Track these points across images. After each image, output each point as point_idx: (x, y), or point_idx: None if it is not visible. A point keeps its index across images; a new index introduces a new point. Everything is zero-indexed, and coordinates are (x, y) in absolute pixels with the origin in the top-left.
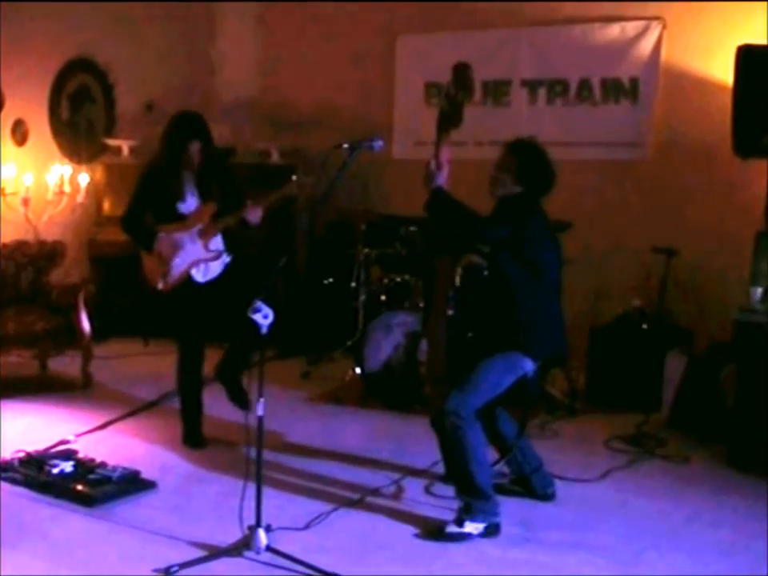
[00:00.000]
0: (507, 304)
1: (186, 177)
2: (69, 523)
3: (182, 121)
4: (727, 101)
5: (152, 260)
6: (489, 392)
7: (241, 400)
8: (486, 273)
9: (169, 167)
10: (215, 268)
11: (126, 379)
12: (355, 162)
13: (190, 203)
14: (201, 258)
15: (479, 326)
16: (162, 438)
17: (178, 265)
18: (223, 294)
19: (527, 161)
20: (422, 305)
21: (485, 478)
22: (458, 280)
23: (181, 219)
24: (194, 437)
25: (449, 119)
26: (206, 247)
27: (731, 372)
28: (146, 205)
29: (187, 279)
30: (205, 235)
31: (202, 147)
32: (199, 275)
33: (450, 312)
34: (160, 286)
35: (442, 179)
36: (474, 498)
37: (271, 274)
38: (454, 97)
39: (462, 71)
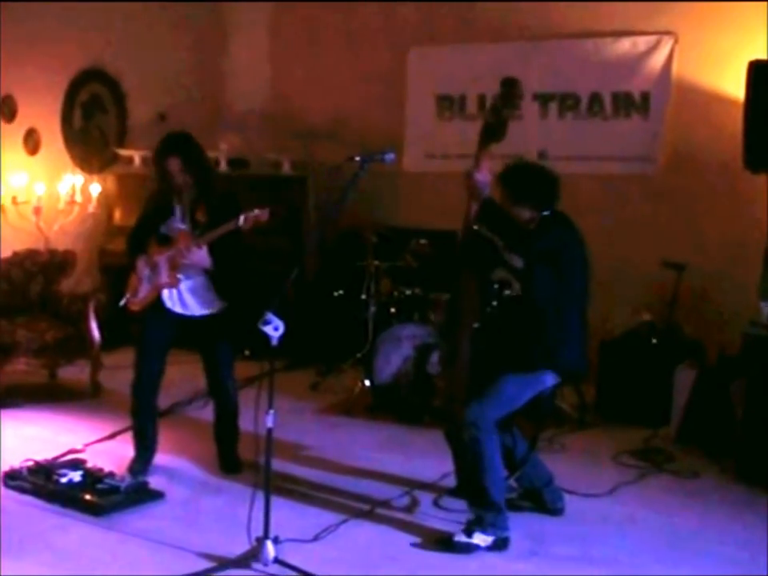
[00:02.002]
0: (535, 319)
1: (175, 198)
2: (76, 533)
3: (162, 140)
4: (738, 115)
5: (133, 278)
6: (508, 405)
7: (231, 469)
8: (496, 286)
9: (157, 188)
10: (193, 306)
11: None
12: (366, 173)
13: (174, 225)
14: (162, 284)
15: (503, 340)
16: (170, 449)
17: (145, 287)
18: (200, 343)
19: (515, 185)
20: (432, 318)
21: (498, 492)
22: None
23: (166, 241)
24: (142, 464)
25: (492, 133)
26: (169, 274)
27: (741, 386)
28: (145, 224)
29: (158, 301)
30: (170, 261)
31: (183, 166)
32: (170, 303)
33: (475, 325)
34: (122, 302)
35: (488, 190)
36: (486, 511)
37: (282, 285)
38: (499, 111)
39: (510, 86)
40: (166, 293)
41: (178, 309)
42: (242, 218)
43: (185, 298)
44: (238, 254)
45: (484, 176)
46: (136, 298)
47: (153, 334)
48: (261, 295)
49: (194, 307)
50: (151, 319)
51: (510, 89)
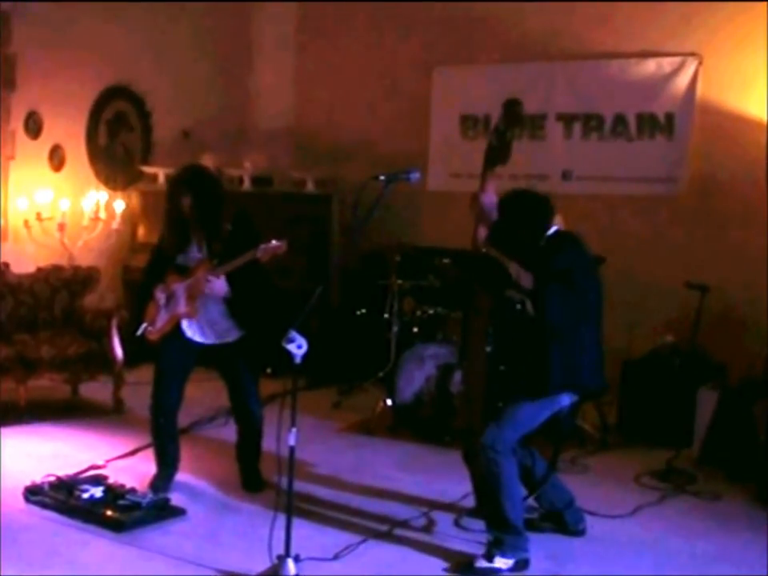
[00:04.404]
0: (549, 338)
1: (191, 229)
2: (97, 548)
3: (175, 175)
4: (762, 137)
5: (151, 307)
6: (525, 426)
7: (253, 487)
8: (519, 306)
9: (168, 220)
10: (213, 334)
11: None
12: (391, 192)
13: (192, 255)
14: (180, 314)
15: (517, 361)
16: (191, 466)
17: (163, 316)
18: (222, 369)
19: (503, 216)
20: (455, 338)
21: (517, 514)
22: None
23: (184, 270)
24: (163, 480)
25: (496, 155)
26: (187, 304)
27: (764, 408)
28: (160, 257)
29: (177, 330)
30: (188, 291)
31: (195, 204)
32: (189, 332)
33: (489, 347)
34: (139, 332)
35: (495, 212)
36: (505, 533)
37: (308, 303)
38: (503, 133)
39: (512, 107)
40: (185, 322)
41: (198, 338)
42: (260, 250)
43: (204, 327)
44: (256, 282)
45: (490, 198)
46: (154, 327)
47: (172, 362)
48: (281, 321)
49: (214, 336)
50: (170, 348)
51: (513, 110)
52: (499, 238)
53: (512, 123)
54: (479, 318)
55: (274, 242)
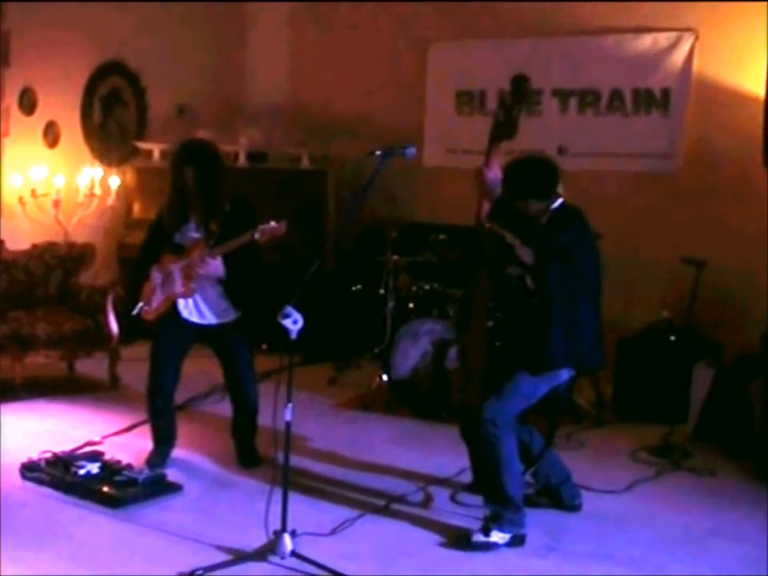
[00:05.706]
0: (549, 314)
1: (189, 207)
2: (94, 525)
3: (179, 148)
4: (759, 112)
5: (147, 287)
6: (525, 401)
7: (249, 463)
8: (515, 282)
9: (171, 196)
10: (209, 315)
11: None
12: (386, 168)
13: (189, 234)
14: (176, 293)
15: (517, 336)
16: (188, 442)
17: (158, 296)
18: (218, 350)
19: (513, 181)
20: (452, 313)
21: (516, 488)
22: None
23: (180, 249)
24: (160, 456)
25: (502, 130)
26: (184, 284)
27: (759, 385)
28: (158, 234)
29: (173, 310)
30: (185, 271)
31: (198, 176)
32: (186, 312)
33: (490, 322)
34: (135, 311)
35: (499, 187)
36: (502, 508)
37: (304, 278)
38: (510, 108)
39: (520, 83)
40: (181, 302)
41: (194, 318)
42: (258, 231)
43: (200, 308)
44: (252, 264)
45: (495, 173)
46: (150, 307)
47: (168, 343)
48: (276, 299)
49: (210, 316)
50: (167, 328)
51: (521, 86)
52: (502, 211)
53: (519, 99)
54: (480, 294)
55: (272, 223)
